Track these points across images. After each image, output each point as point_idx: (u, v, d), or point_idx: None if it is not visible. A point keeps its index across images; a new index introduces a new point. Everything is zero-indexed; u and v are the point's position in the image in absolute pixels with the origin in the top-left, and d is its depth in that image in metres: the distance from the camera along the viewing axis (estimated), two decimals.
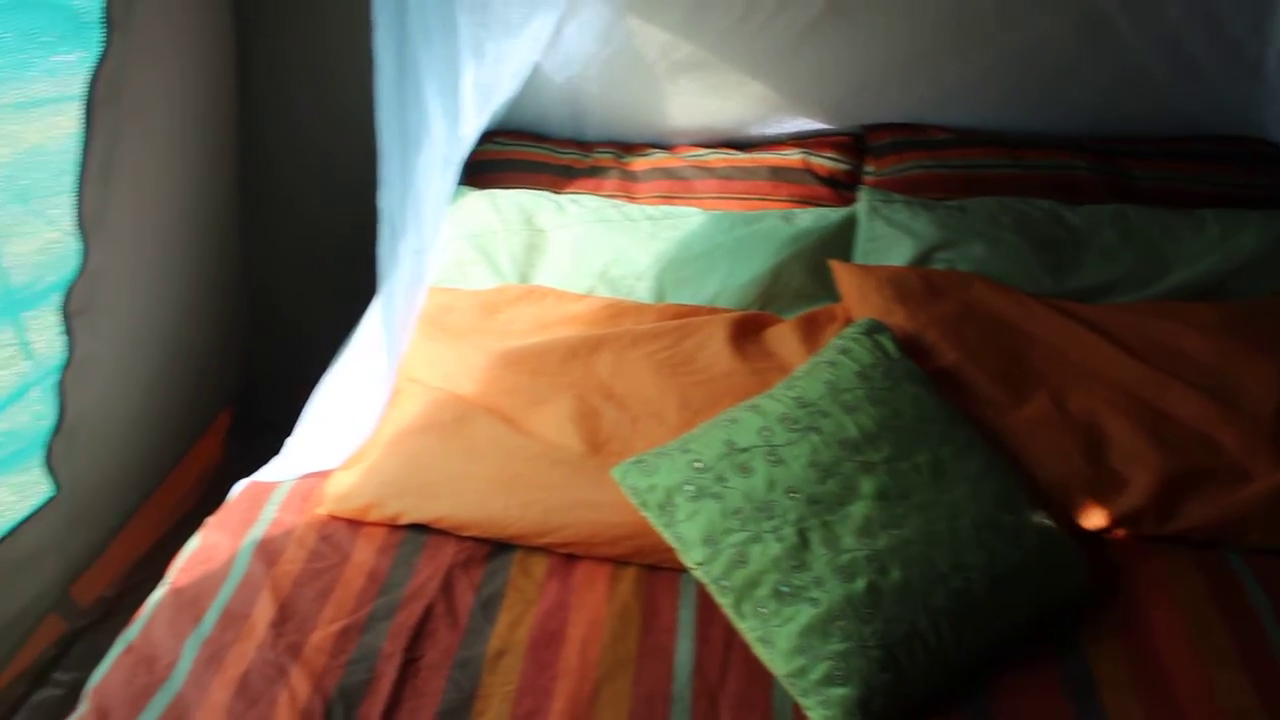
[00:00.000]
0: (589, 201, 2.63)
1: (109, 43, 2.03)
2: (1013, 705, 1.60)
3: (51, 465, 2.19)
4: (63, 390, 2.16)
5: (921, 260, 2.38)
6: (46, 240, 2.09)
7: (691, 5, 2.60)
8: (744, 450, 1.79)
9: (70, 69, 1.98)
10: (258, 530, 1.93)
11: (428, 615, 1.75)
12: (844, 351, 1.96)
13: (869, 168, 2.71)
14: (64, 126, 2.02)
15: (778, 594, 1.64)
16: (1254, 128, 2.61)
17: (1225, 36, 2.49)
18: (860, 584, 1.62)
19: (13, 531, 2.13)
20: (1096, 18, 2.52)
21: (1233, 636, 1.69)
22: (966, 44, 2.60)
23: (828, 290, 2.38)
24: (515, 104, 2.74)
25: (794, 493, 1.72)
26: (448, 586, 1.80)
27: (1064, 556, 1.76)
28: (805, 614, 1.61)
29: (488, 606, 1.77)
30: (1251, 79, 2.52)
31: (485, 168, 2.73)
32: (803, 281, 2.41)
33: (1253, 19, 2.44)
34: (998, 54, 2.61)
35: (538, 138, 2.86)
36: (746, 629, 1.65)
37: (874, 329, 2.03)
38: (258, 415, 3.03)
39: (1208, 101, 2.61)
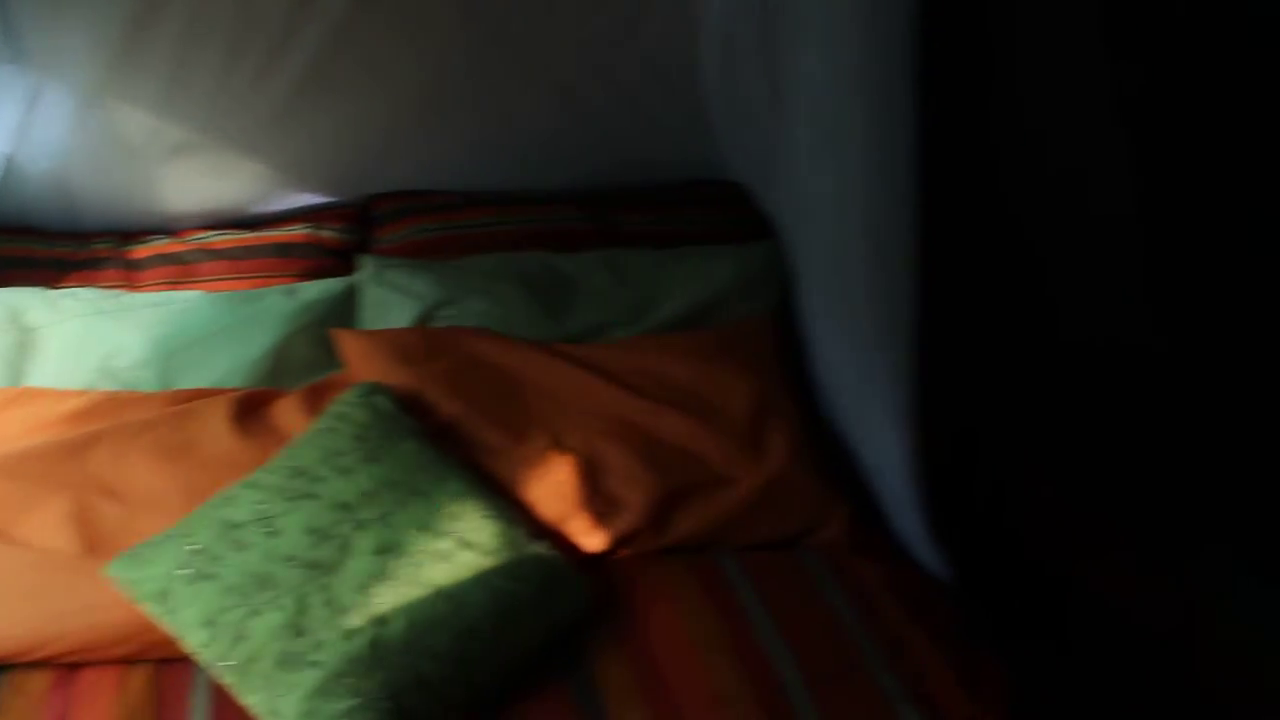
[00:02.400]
0: (85, 294, 2.52)
1: None
2: None
3: None
4: None
5: (425, 320, 2.45)
6: None
7: (162, 89, 2.55)
8: (238, 526, 1.79)
9: None
10: None
11: None
12: (340, 417, 2.00)
13: (377, 237, 2.75)
14: None
15: (280, 663, 1.65)
16: (718, 171, 2.88)
17: (674, 91, 2.75)
18: (361, 640, 1.67)
19: None
20: (561, 85, 2.71)
21: (723, 627, 1.88)
22: (452, 112, 2.72)
23: (336, 361, 2.40)
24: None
25: (291, 561, 1.75)
26: None
27: (563, 583, 1.89)
28: (309, 678, 1.63)
29: None
30: (700, 127, 2.79)
31: None
32: (310, 354, 2.41)
33: (691, 77, 2.71)
34: (484, 121, 2.74)
35: (27, 231, 2.72)
36: (255, 704, 1.66)
37: (372, 391, 2.09)
38: None
39: (676, 151, 2.86)
